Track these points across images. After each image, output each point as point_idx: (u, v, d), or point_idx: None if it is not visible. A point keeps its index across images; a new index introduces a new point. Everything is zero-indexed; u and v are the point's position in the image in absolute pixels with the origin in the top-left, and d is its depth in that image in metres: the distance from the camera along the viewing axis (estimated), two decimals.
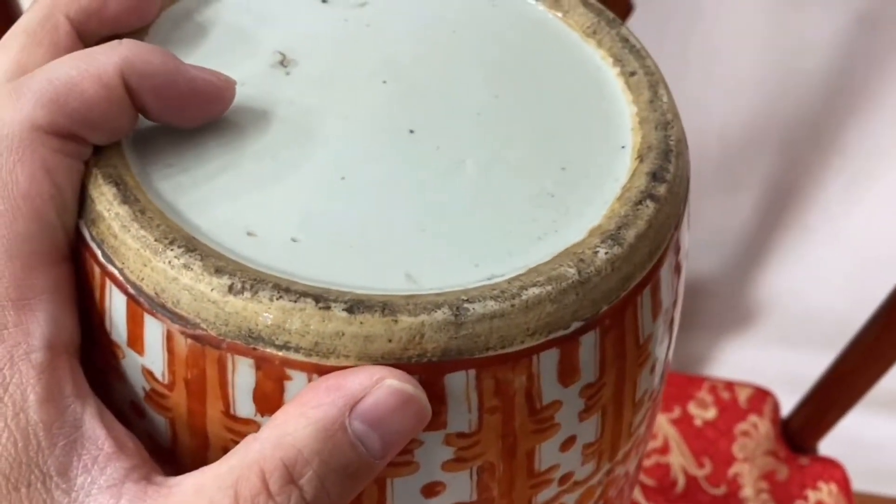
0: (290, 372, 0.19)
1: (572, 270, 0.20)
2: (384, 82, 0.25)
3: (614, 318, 0.21)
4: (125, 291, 0.20)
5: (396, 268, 0.21)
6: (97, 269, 0.21)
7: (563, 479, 0.23)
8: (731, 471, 0.56)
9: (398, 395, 0.19)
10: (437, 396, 0.20)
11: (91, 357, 0.22)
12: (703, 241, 0.69)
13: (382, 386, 0.19)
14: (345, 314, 0.19)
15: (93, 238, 0.21)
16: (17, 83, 0.21)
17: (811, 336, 0.67)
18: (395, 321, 0.19)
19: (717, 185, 0.67)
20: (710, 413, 0.59)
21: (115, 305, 0.21)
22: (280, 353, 0.19)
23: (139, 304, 0.20)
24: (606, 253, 0.21)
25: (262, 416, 0.20)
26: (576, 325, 0.20)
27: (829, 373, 0.55)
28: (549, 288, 0.20)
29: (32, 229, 0.20)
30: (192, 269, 0.19)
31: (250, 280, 0.19)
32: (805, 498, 0.57)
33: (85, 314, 0.22)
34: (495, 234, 0.22)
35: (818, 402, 0.56)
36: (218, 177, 0.22)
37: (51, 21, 0.23)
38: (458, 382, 0.20)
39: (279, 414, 0.19)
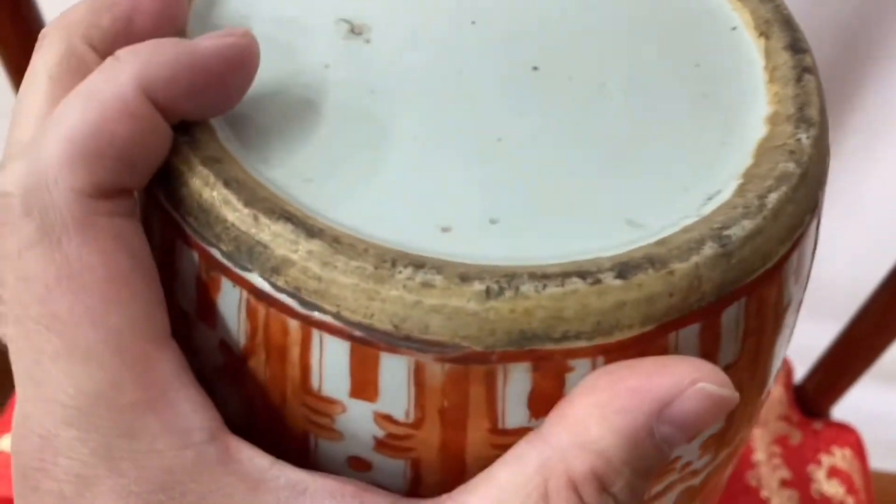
0: (572, 363, 0.18)
1: (791, 165, 0.20)
2: (473, 23, 0.23)
3: (819, 208, 0.21)
4: (348, 336, 0.18)
5: (613, 216, 0.19)
6: (295, 323, 0.18)
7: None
8: None
9: (714, 399, 0.17)
10: (714, 337, 0.19)
11: (285, 426, 0.19)
12: None
13: (698, 391, 0.17)
14: (619, 282, 0.17)
15: (281, 289, 0.18)
16: (30, 150, 0.18)
17: (824, 305, 0.68)
18: (671, 273, 0.18)
19: None
20: None
21: (331, 355, 0.18)
22: (560, 346, 0.17)
23: (372, 344, 0.18)
24: (807, 137, 0.20)
25: (537, 419, 0.18)
26: (808, 218, 0.20)
27: (841, 337, 0.56)
28: (784, 188, 0.19)
29: (133, 313, 0.18)
30: (434, 285, 0.17)
31: (502, 277, 0.17)
32: (818, 462, 0.57)
33: (278, 383, 0.19)
34: (680, 152, 0.21)
35: (831, 366, 0.57)
36: (371, 179, 0.20)
37: (74, 56, 0.19)
38: (731, 316, 0.19)
39: (571, 414, 0.17)
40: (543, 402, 0.18)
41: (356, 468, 0.19)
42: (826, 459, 0.57)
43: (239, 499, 0.17)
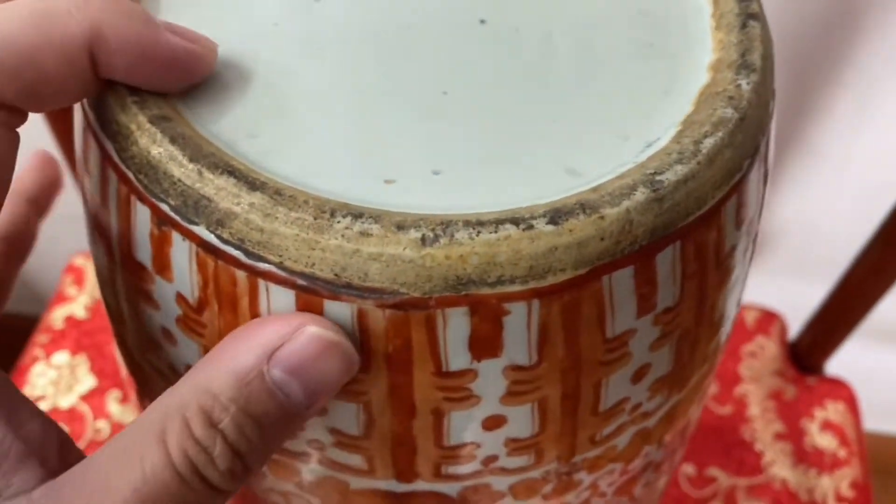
0: (508, 306, 0.18)
1: (729, 110, 0.20)
2: None
3: (760, 154, 0.21)
4: (293, 285, 0.19)
5: (553, 165, 0.20)
6: (242, 273, 0.19)
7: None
8: (738, 390, 0.57)
9: (319, 341, 0.18)
10: (649, 280, 0.19)
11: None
12: None
13: (302, 333, 0.18)
14: (551, 227, 0.18)
15: (227, 241, 0.19)
16: None
17: (819, 262, 0.68)
18: (602, 217, 0.18)
19: None
20: None
21: (277, 304, 0.19)
22: (495, 290, 0.18)
23: (315, 292, 0.19)
24: (748, 83, 0.21)
25: (480, 361, 0.19)
26: (747, 163, 0.20)
27: (834, 292, 0.56)
28: (720, 134, 0.20)
29: None
30: (371, 234, 0.18)
31: (438, 225, 0.18)
32: (812, 416, 0.58)
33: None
34: (623, 101, 0.21)
35: (824, 322, 0.58)
36: (315, 132, 0.20)
37: None
38: (666, 259, 0.19)
39: (198, 365, 0.19)
40: (484, 345, 0.19)
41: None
42: (819, 413, 0.58)
43: None
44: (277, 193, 0.18)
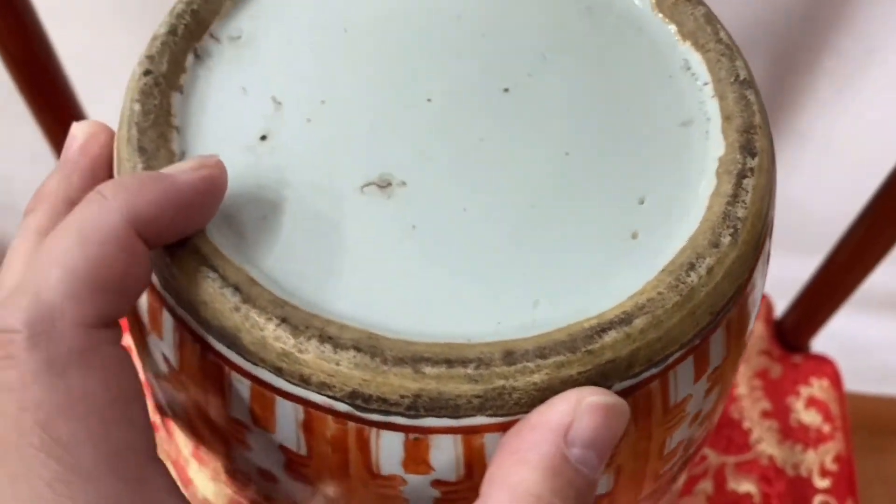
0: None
1: (675, 296, 0.21)
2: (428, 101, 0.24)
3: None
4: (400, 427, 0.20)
5: (525, 297, 0.21)
6: (352, 425, 0.20)
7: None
8: None
9: (602, 409, 0.19)
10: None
11: None
12: None
13: (584, 406, 0.19)
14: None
15: (334, 398, 0.20)
16: (29, 286, 0.19)
17: (804, 241, 0.69)
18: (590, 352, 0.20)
19: None
20: None
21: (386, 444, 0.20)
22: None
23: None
24: (698, 277, 0.21)
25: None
26: (679, 352, 0.22)
27: (819, 271, 0.57)
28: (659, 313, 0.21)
29: (130, 435, 0.19)
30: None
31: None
32: (797, 394, 0.60)
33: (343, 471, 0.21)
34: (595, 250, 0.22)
35: (810, 300, 0.59)
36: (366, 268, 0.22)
37: (56, 213, 0.22)
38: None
39: (496, 472, 0.19)
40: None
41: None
42: (804, 390, 0.60)
43: None
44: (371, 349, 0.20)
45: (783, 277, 0.64)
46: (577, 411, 0.19)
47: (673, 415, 0.22)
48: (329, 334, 0.19)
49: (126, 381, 0.19)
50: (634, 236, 0.22)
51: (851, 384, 0.64)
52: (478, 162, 0.23)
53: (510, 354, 0.19)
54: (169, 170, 0.21)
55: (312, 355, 0.19)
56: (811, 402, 0.60)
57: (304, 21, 0.25)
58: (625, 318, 0.20)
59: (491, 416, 0.19)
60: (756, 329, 0.62)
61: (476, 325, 0.20)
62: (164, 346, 0.22)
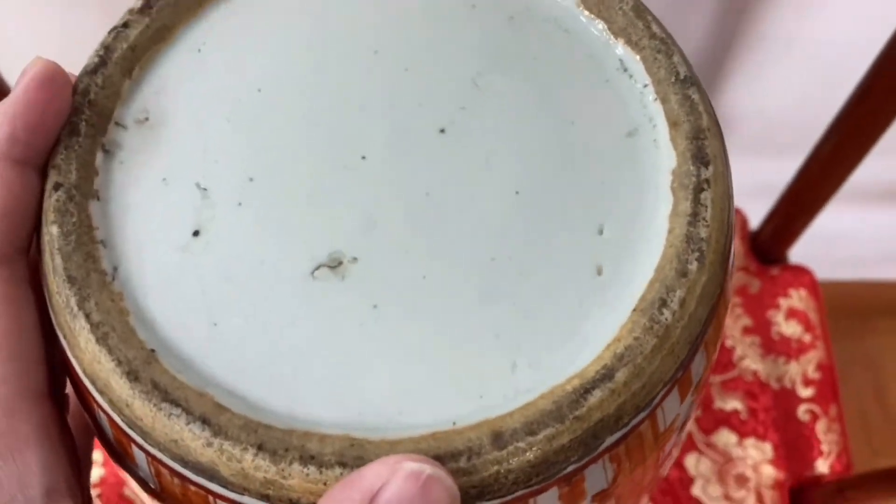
0: None
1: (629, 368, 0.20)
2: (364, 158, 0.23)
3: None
4: None
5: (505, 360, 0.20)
6: None
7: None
8: None
9: (416, 477, 0.18)
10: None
11: None
12: None
13: (399, 471, 0.18)
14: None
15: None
16: None
17: (775, 146, 0.68)
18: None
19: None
20: None
21: None
22: None
23: None
24: (654, 335, 0.20)
25: None
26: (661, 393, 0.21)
27: (794, 181, 0.57)
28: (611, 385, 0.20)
29: (7, 369, 0.20)
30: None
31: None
32: (777, 307, 0.61)
33: None
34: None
35: (785, 210, 0.59)
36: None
37: None
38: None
39: None
40: None
41: None
42: (784, 302, 0.61)
43: None
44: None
45: (754, 183, 0.64)
46: (393, 476, 0.18)
47: (664, 437, 0.22)
48: (311, 453, 0.19)
49: (11, 318, 0.20)
50: (599, 272, 0.21)
51: (825, 273, 0.64)
52: (428, 221, 0.22)
53: (499, 437, 0.19)
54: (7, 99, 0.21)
55: (297, 480, 0.18)
56: (791, 314, 0.60)
57: (213, 87, 0.23)
58: (606, 374, 0.19)
59: (489, 500, 0.19)
60: (733, 247, 0.62)
61: (458, 404, 0.20)
62: (141, 472, 0.21)
